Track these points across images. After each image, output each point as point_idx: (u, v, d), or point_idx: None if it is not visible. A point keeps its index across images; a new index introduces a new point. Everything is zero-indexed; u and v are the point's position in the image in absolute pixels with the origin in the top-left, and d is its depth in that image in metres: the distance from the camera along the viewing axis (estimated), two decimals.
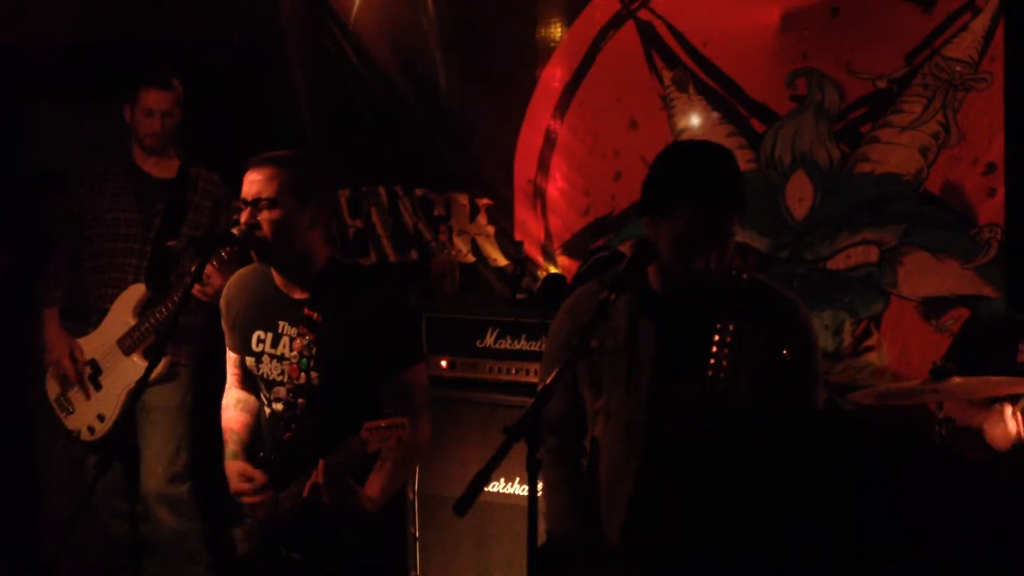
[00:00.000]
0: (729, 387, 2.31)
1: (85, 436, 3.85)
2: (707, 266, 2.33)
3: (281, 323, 2.89)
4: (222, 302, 3.04)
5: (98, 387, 3.83)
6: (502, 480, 3.71)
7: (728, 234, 2.36)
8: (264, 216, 2.78)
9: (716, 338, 2.32)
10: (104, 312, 3.84)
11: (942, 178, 3.58)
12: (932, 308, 3.60)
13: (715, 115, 3.91)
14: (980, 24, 3.50)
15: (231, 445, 2.96)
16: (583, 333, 2.35)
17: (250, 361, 2.93)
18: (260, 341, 2.91)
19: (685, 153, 2.53)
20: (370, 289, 2.88)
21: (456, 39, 4.32)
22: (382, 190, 4.51)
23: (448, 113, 4.36)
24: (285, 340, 2.87)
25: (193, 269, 2.86)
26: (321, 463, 2.73)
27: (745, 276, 2.45)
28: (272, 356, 2.89)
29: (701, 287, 2.39)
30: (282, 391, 2.89)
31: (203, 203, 3.90)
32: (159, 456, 3.86)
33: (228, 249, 3.26)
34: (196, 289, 3.48)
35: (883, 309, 3.66)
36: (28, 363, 4.15)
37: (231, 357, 3.05)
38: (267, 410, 2.94)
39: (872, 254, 3.67)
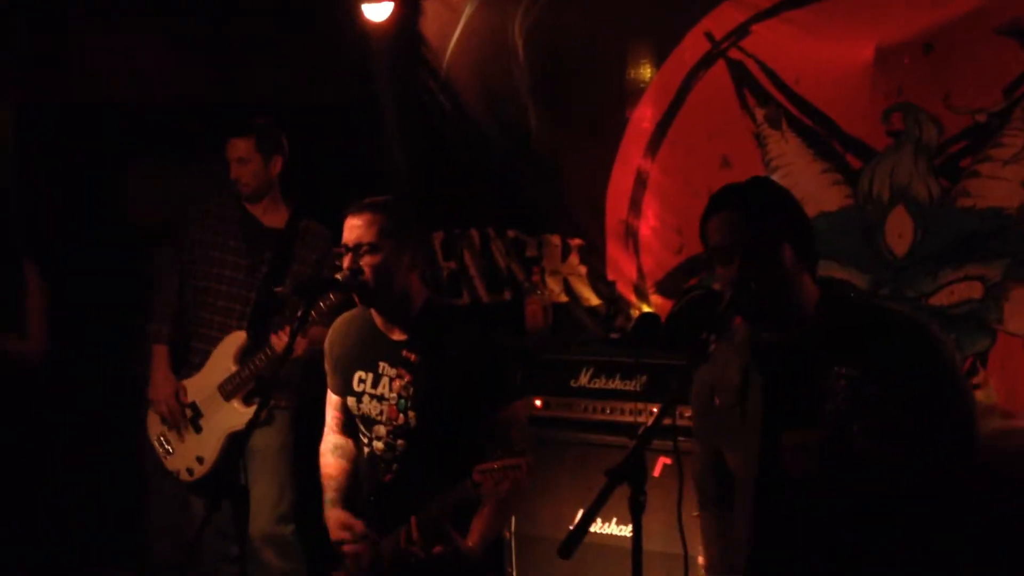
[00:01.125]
0: (851, 435, 2.21)
1: (184, 477, 3.96)
2: (745, 276, 2.26)
3: (381, 364, 2.94)
4: (326, 344, 3.11)
5: (198, 430, 3.94)
6: (599, 520, 3.70)
7: (755, 242, 2.27)
8: (366, 260, 2.85)
9: (833, 384, 2.23)
10: (207, 355, 3.95)
11: None
12: None
13: (809, 151, 3.89)
14: None
15: (330, 492, 3.01)
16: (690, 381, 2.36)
17: (351, 401, 2.99)
18: (361, 381, 2.97)
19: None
20: (465, 329, 2.93)
21: (546, 83, 4.38)
22: (475, 232, 4.58)
23: (539, 155, 4.42)
24: (385, 380, 2.93)
25: (299, 314, 2.94)
26: (412, 519, 2.76)
27: (849, 303, 2.37)
28: (372, 396, 2.95)
29: (776, 317, 2.30)
30: (382, 430, 2.94)
31: (308, 255, 3.98)
32: (265, 498, 3.94)
33: (329, 300, 3.34)
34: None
35: (990, 346, 3.57)
36: (137, 402, 4.28)
37: (332, 400, 3.10)
38: (367, 450, 2.99)
39: (976, 290, 3.59)
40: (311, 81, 4.50)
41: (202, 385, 3.93)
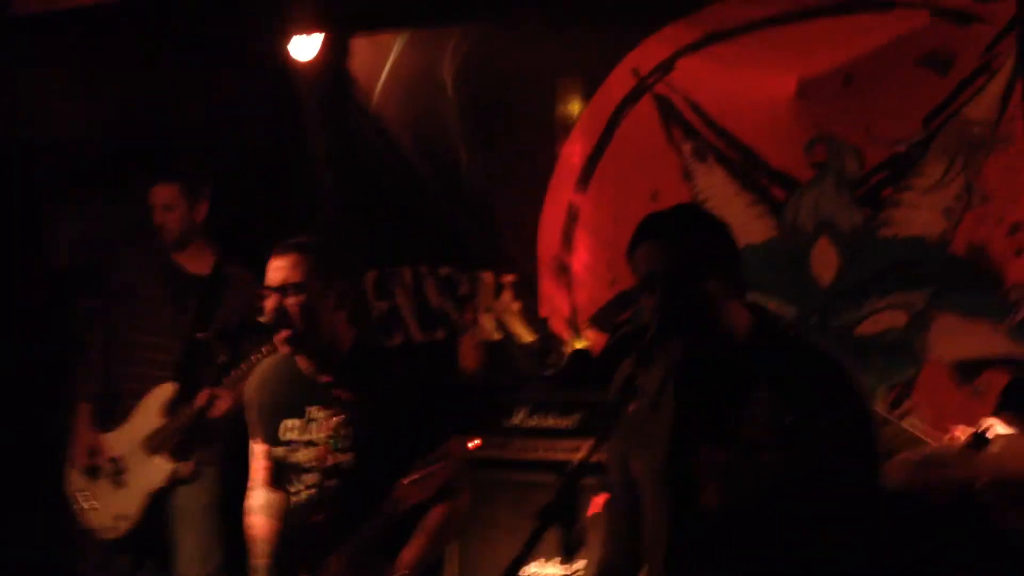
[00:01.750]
0: (763, 456, 2.21)
1: (107, 535, 3.84)
2: (667, 306, 2.23)
3: (310, 408, 2.88)
4: (246, 395, 3.03)
5: (120, 485, 3.81)
6: (542, 560, 3.66)
7: (679, 271, 2.24)
8: (291, 301, 2.79)
9: (748, 406, 2.23)
10: (131, 407, 3.84)
11: (967, 240, 3.56)
12: (966, 371, 3.55)
13: (735, 184, 3.93)
14: (997, 85, 3.50)
15: (260, 558, 2.92)
16: (613, 403, 2.33)
17: (279, 451, 2.91)
18: (289, 430, 2.90)
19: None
20: (396, 366, 2.92)
21: (476, 119, 4.38)
22: (407, 271, 4.54)
23: (470, 191, 4.40)
24: (315, 424, 2.86)
25: (221, 361, 2.87)
26: (332, 559, 2.71)
27: (779, 332, 2.37)
28: (302, 443, 2.88)
29: (701, 342, 2.29)
30: (312, 478, 2.87)
31: (234, 301, 3.87)
32: (192, 558, 3.83)
33: (259, 354, 3.26)
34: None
35: (916, 374, 3.61)
36: (56, 455, 4.17)
37: (258, 450, 3.00)
38: (294, 499, 2.90)
39: (901, 318, 3.64)
40: (236, 119, 4.44)
41: (126, 439, 3.82)
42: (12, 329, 4.32)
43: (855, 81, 3.67)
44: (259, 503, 2.97)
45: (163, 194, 3.87)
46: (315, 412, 2.87)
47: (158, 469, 3.77)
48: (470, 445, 3.76)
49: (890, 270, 3.64)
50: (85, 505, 3.85)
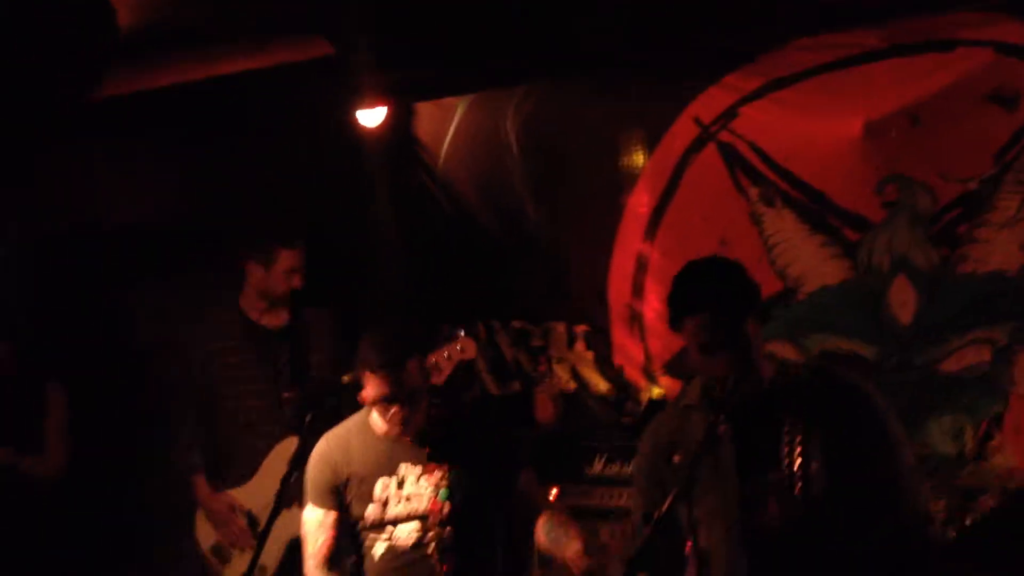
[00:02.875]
0: (805, 484, 2.40)
1: None
2: (727, 372, 2.46)
3: (403, 464, 3.03)
4: (323, 468, 3.12)
5: (252, 540, 3.89)
6: None
7: (743, 339, 2.47)
8: (418, 404, 3.02)
9: (785, 439, 2.43)
10: (257, 466, 3.92)
11: None
12: None
13: (806, 227, 3.94)
14: None
15: None
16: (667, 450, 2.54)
17: (372, 509, 3.03)
18: (385, 487, 3.04)
19: (684, 271, 2.65)
20: (474, 413, 3.28)
21: (541, 174, 4.45)
22: (480, 326, 4.59)
23: (539, 245, 4.46)
24: (411, 479, 3.02)
25: (307, 422, 2.98)
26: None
27: (806, 368, 2.60)
28: (400, 498, 3.03)
29: (750, 389, 2.47)
30: (412, 526, 3.01)
31: (320, 341, 4.00)
32: None
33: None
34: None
35: (1004, 409, 3.58)
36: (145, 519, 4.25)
37: (326, 521, 3.11)
38: (380, 550, 3.02)
39: (985, 353, 3.61)
40: (311, 188, 4.56)
41: (256, 493, 3.89)
42: (107, 399, 4.44)
43: (922, 121, 3.69)
44: None
45: (292, 258, 4.01)
46: (408, 468, 3.03)
47: (292, 518, 3.83)
48: (551, 496, 3.79)
49: (970, 306, 3.62)
50: (223, 557, 3.92)
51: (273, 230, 4.07)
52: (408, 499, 3.01)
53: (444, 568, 2.98)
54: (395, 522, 3.02)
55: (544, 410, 4.28)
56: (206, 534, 3.99)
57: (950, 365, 3.66)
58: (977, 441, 3.59)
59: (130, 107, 4.12)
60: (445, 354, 3.74)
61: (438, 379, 3.69)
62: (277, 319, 4.07)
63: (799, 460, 2.41)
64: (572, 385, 4.43)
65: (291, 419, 3.90)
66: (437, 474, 2.99)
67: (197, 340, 4.07)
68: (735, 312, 2.48)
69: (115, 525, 4.47)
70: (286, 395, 3.89)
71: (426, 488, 3.00)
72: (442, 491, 2.99)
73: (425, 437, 3.03)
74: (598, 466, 3.84)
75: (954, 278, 3.66)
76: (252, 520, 3.91)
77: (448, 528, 2.98)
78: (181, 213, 4.47)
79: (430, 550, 2.99)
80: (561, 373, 4.43)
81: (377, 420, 3.09)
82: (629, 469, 3.82)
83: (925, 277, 3.71)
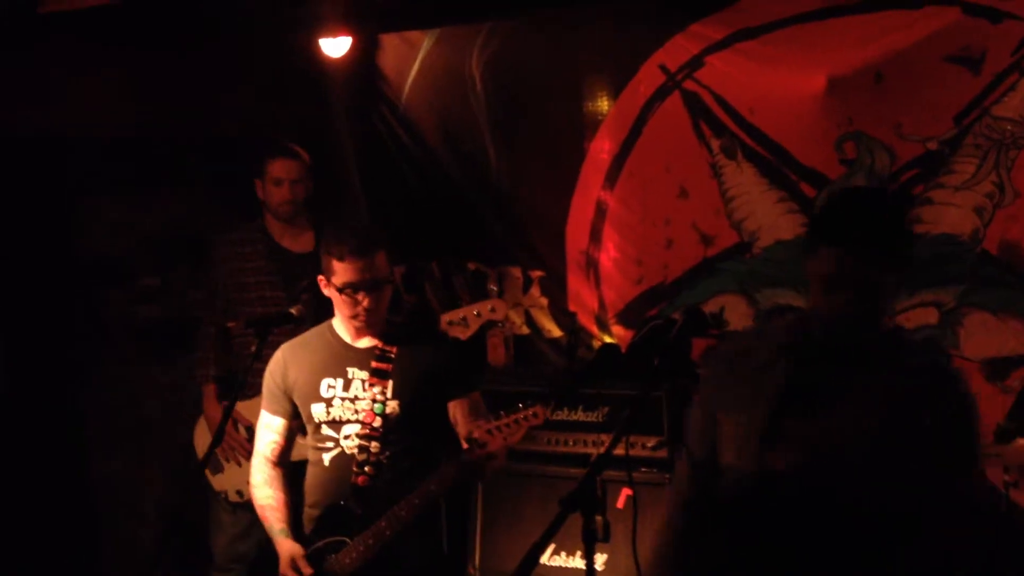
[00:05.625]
0: (856, 440, 2.23)
1: (232, 498, 3.91)
2: (847, 309, 2.26)
3: (351, 369, 3.06)
4: (274, 372, 3.15)
5: (251, 454, 3.87)
6: (563, 554, 3.67)
7: (870, 281, 2.25)
8: (384, 296, 3.03)
9: (848, 391, 2.25)
10: (243, 382, 3.88)
11: (999, 237, 3.54)
12: (996, 369, 3.54)
13: (764, 181, 3.93)
14: None
15: (279, 523, 3.07)
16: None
17: (318, 408, 3.06)
18: (331, 387, 3.07)
19: (839, 196, 2.48)
20: (427, 329, 3.28)
21: (504, 115, 4.40)
22: (435, 266, 4.57)
23: (498, 188, 4.43)
24: (357, 383, 3.05)
25: (253, 350, 2.95)
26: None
27: (902, 333, 2.42)
28: (344, 398, 3.05)
29: (846, 334, 2.30)
30: (354, 430, 3.03)
31: None
32: None
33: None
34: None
35: None
36: (85, 440, 4.22)
37: (272, 425, 3.15)
38: (330, 454, 3.05)
39: (931, 316, 3.62)
40: (268, 116, 4.48)
41: (256, 409, 3.88)
42: (44, 318, 4.38)
43: (886, 79, 3.66)
44: (264, 478, 3.14)
45: (291, 168, 3.91)
46: (356, 373, 3.06)
47: None
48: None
49: (920, 268, 3.62)
50: (216, 466, 3.92)
51: (262, 143, 3.99)
52: (354, 400, 3.04)
53: (359, 480, 2.99)
54: (337, 424, 3.04)
55: (495, 353, 4.28)
56: (203, 442, 3.98)
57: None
58: None
59: (90, 21, 4.01)
60: (475, 311, 3.69)
61: (463, 335, 3.67)
62: (300, 242, 3.99)
63: (840, 421, 2.23)
64: (525, 330, 4.43)
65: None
66: (378, 388, 3.01)
67: (218, 262, 3.99)
68: (882, 255, 2.23)
69: (47, 449, 4.42)
70: (230, 324, 3.84)
71: (367, 396, 3.02)
72: (377, 405, 3.01)
73: (387, 342, 3.06)
74: (547, 411, 3.83)
75: None
76: (252, 434, 3.89)
77: (375, 444, 3.00)
78: (130, 125, 4.37)
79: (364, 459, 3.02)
80: (515, 318, 4.42)
81: (337, 326, 3.11)
82: (578, 415, 3.82)
83: None
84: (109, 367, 4.47)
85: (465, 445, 2.96)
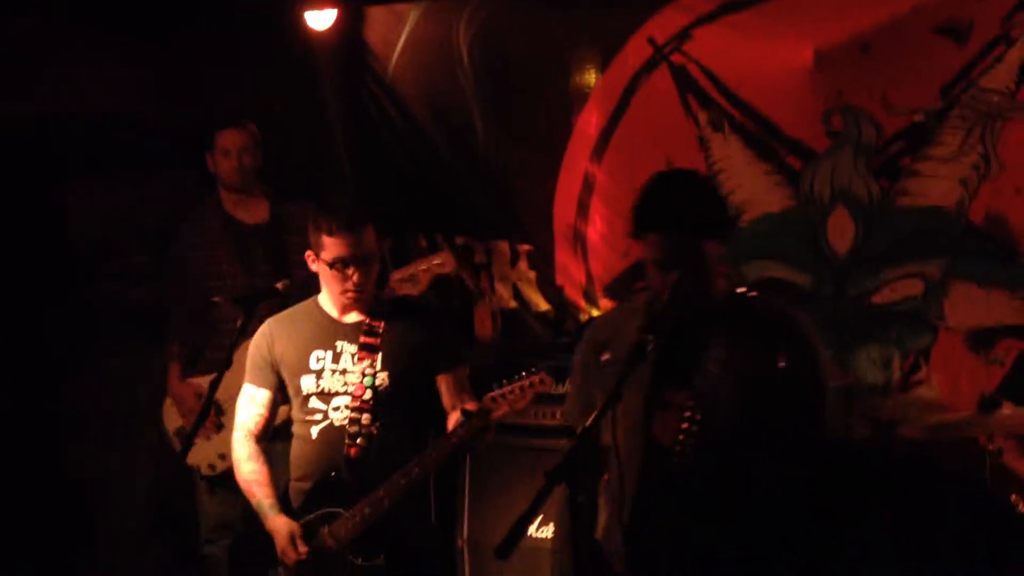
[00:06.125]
0: (716, 400, 2.39)
1: (205, 471, 3.92)
2: (682, 289, 2.41)
3: (340, 342, 3.07)
4: (260, 345, 3.14)
5: (220, 428, 3.88)
6: (551, 526, 3.69)
7: (697, 260, 2.43)
8: (372, 271, 3.04)
9: (708, 353, 2.42)
10: (230, 354, 3.91)
11: (984, 209, 3.56)
12: (981, 340, 3.56)
13: (751, 153, 3.93)
14: (1015, 55, 3.49)
15: (268, 499, 3.06)
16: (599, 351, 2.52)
17: (308, 380, 3.06)
18: (320, 359, 3.07)
19: (654, 183, 2.61)
20: (419, 306, 3.28)
21: (491, 88, 4.38)
22: (422, 239, 4.56)
23: (485, 161, 4.42)
24: (346, 356, 3.06)
25: (239, 325, 2.96)
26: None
27: (743, 294, 2.54)
28: (334, 370, 3.06)
29: (689, 307, 2.45)
30: (344, 402, 3.04)
31: (302, 240, 3.95)
32: None
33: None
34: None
35: (931, 342, 3.62)
36: (73, 427, 4.23)
37: (257, 398, 3.15)
38: (319, 426, 3.06)
39: (917, 287, 3.64)
40: (256, 90, 4.46)
41: (225, 384, 3.89)
42: (34, 298, 4.37)
43: (872, 50, 3.66)
44: (247, 453, 3.13)
45: (238, 138, 3.93)
46: (345, 346, 3.07)
47: None
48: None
49: (907, 239, 3.64)
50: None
51: (212, 117, 3.99)
52: (343, 373, 3.05)
53: (351, 452, 3.01)
54: (327, 396, 3.04)
55: (483, 326, 4.28)
56: (172, 418, 4.00)
57: (883, 297, 3.69)
58: (903, 373, 3.65)
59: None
60: (423, 266, 3.73)
61: (414, 290, 3.70)
62: (253, 214, 4.01)
63: (710, 383, 2.41)
64: (513, 304, 4.43)
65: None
66: (367, 361, 3.02)
67: (181, 233, 4.03)
68: (695, 231, 2.43)
69: (33, 435, 4.43)
70: (215, 299, 3.84)
71: (357, 370, 3.03)
72: (367, 378, 3.03)
73: (375, 316, 3.07)
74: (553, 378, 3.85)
75: (892, 211, 3.67)
76: (219, 409, 3.90)
77: (366, 416, 3.01)
78: (121, 103, 4.35)
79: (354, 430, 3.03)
80: (502, 291, 4.43)
81: (323, 302, 3.11)
82: (564, 388, 3.82)
83: (864, 209, 3.72)
84: (96, 353, 4.47)
85: (451, 418, 2.96)
